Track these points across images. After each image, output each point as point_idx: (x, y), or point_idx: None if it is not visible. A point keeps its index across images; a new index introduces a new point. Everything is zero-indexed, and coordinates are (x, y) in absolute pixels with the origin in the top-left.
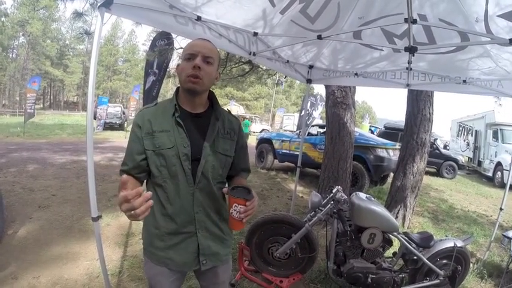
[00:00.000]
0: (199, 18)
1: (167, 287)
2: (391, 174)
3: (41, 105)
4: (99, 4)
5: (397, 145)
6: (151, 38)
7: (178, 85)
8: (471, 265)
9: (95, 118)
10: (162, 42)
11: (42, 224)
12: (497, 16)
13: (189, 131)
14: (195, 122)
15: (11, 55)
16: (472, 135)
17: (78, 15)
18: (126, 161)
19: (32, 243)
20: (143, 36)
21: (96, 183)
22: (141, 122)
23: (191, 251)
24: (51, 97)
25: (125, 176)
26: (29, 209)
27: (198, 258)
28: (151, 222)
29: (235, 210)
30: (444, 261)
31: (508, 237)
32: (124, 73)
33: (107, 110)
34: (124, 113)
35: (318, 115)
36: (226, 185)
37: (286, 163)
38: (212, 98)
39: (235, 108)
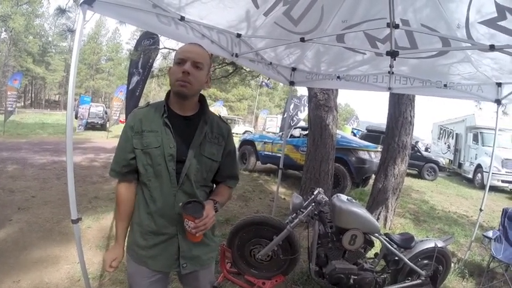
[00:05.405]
0: (182, 19)
1: (145, 287)
2: (373, 176)
3: (22, 104)
4: (81, 1)
5: (379, 147)
6: (136, 37)
7: (163, 85)
8: (453, 265)
9: (76, 118)
10: (148, 42)
11: (22, 227)
12: (478, 23)
13: (176, 133)
14: (183, 124)
15: None
16: (452, 138)
17: (61, 11)
18: (117, 160)
19: (12, 246)
20: (127, 35)
21: (77, 185)
22: (133, 122)
23: (171, 253)
24: (32, 95)
25: (119, 188)
26: (8, 210)
27: (179, 260)
28: (137, 220)
29: (187, 224)
30: (425, 261)
31: (488, 237)
32: (107, 72)
33: (89, 109)
34: (106, 113)
35: (303, 117)
36: (213, 186)
37: (269, 165)
38: (203, 102)
39: (218, 109)
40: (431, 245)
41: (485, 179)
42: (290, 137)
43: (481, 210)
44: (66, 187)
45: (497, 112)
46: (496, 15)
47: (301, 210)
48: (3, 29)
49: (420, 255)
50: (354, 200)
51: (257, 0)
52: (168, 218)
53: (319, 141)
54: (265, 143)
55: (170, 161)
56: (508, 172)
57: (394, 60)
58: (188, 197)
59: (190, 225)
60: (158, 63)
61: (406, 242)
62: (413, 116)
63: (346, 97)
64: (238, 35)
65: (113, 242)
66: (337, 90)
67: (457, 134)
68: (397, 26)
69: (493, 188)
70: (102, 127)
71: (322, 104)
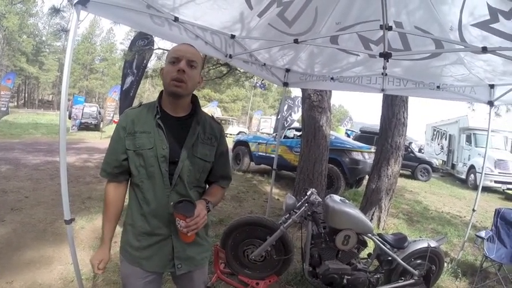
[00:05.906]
0: (176, 19)
1: None
2: (367, 177)
3: (15, 104)
4: (75, 1)
5: (373, 148)
6: (130, 37)
7: (157, 86)
8: (446, 264)
9: (70, 118)
10: (142, 43)
11: (15, 227)
12: (471, 25)
13: (168, 134)
14: (176, 125)
15: None
16: (446, 139)
17: (55, 11)
18: (107, 160)
19: (5, 247)
20: (121, 35)
21: (70, 185)
22: (125, 123)
23: (166, 254)
24: (26, 95)
25: (107, 188)
26: (1, 211)
27: (173, 261)
28: (129, 221)
29: (178, 224)
30: (418, 261)
31: (480, 237)
32: (101, 72)
33: (82, 109)
34: (100, 113)
35: (297, 118)
36: (205, 186)
37: (263, 165)
38: (195, 102)
39: (212, 110)
40: (424, 245)
41: (478, 180)
42: (284, 138)
43: (474, 210)
44: (60, 187)
45: (489, 113)
46: (488, 17)
47: (295, 210)
48: None
49: (413, 255)
50: (347, 201)
51: (251, 2)
52: (161, 219)
53: (313, 142)
54: (259, 143)
55: (163, 162)
56: (501, 173)
57: (387, 61)
58: (181, 198)
59: (182, 225)
60: (152, 63)
61: (399, 242)
62: (407, 117)
63: (340, 98)
64: (232, 36)
65: None
66: (330, 91)
67: (450, 135)
68: (390, 28)
69: (486, 189)
70: (95, 127)
71: (315, 105)
